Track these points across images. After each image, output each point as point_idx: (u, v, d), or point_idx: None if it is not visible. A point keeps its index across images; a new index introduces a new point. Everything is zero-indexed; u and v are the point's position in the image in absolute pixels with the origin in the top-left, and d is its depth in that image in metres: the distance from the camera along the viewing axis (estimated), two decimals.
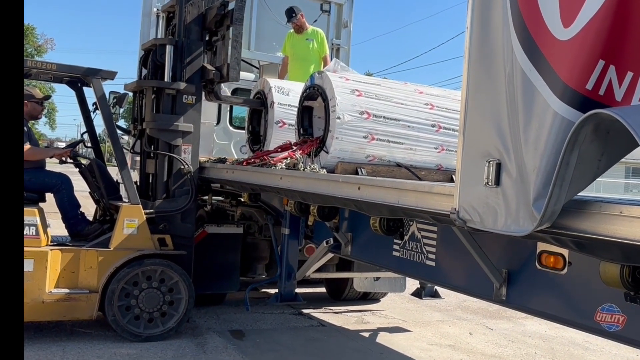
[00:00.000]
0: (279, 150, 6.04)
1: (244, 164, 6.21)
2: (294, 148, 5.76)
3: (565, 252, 3.48)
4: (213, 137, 9.11)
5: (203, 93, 6.82)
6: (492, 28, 2.84)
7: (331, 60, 8.97)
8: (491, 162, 2.78)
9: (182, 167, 6.55)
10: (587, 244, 2.67)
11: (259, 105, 6.95)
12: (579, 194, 2.59)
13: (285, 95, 6.72)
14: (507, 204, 2.73)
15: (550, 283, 3.69)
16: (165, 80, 6.52)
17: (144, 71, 6.92)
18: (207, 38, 6.84)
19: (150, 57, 6.69)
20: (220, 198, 8.19)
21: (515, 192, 2.68)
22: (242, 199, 7.29)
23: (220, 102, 7.65)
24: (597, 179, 2.65)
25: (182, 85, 6.52)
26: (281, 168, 5.52)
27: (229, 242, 7.24)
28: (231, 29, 6.41)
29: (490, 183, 2.78)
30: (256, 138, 7.09)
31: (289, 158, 5.60)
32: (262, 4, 9.40)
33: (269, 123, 6.67)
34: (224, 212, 8.09)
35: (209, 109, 8.57)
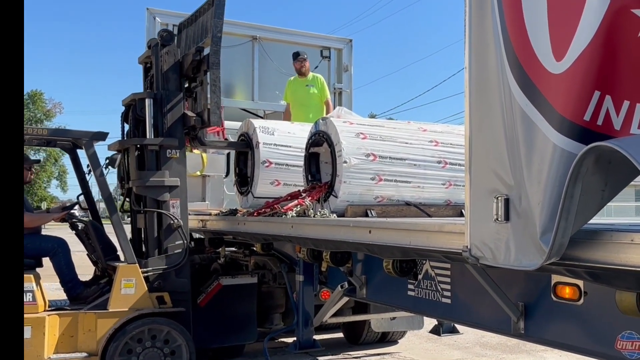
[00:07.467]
0: (289, 198, 6.08)
1: (255, 214, 6.23)
2: (303, 195, 5.81)
3: (580, 282, 3.47)
4: (223, 188, 9.14)
5: (187, 141, 6.76)
6: (489, 66, 2.89)
7: (333, 104, 9.12)
8: (499, 198, 2.80)
9: (172, 222, 6.42)
10: (600, 274, 2.67)
11: (244, 147, 6.98)
12: (590, 223, 2.59)
13: (270, 134, 6.74)
14: (517, 238, 2.74)
15: (567, 314, 3.67)
16: (148, 134, 6.42)
17: (127, 127, 6.83)
18: (185, 85, 6.83)
19: (131, 113, 6.64)
20: (233, 249, 8.19)
21: (523, 227, 2.70)
22: (254, 249, 7.29)
23: (205, 147, 7.63)
24: (607, 203, 2.66)
25: (164, 140, 6.44)
26: (292, 216, 5.55)
27: (244, 292, 7.20)
28: (209, 73, 6.41)
29: (500, 219, 2.79)
30: (244, 180, 7.12)
31: (299, 205, 5.64)
32: (263, 54, 9.55)
33: (256, 164, 6.69)
34: (237, 262, 8.08)
35: (217, 161, 8.66)
